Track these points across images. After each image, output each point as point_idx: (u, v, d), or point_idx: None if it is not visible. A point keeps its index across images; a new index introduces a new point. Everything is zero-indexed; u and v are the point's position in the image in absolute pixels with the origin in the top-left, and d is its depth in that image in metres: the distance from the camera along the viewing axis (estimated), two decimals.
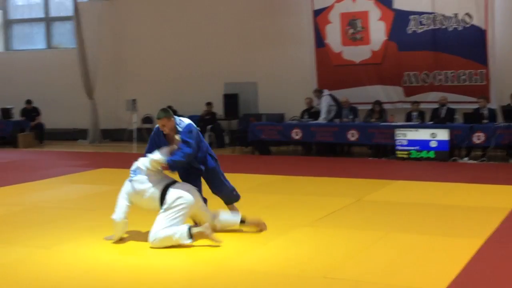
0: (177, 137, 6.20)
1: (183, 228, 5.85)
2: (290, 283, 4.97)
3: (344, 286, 4.88)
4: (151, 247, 5.84)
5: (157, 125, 6.35)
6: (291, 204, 8.14)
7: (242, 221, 6.46)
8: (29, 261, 5.72)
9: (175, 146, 6.17)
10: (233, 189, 6.78)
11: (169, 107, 6.36)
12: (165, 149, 6.16)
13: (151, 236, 5.85)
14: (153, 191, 6.00)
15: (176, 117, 6.29)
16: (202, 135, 6.52)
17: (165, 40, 17.03)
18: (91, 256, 5.80)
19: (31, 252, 5.98)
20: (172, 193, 5.97)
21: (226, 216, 6.47)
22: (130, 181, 6.11)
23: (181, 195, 5.97)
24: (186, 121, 6.33)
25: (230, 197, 6.77)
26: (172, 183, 6.12)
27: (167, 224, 5.84)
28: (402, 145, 12.42)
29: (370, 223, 6.94)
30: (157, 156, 6.11)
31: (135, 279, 5.17)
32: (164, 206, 5.93)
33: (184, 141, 6.15)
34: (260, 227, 6.50)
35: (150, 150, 6.35)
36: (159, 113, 6.25)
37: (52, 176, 10.98)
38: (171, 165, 6.10)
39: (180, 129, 6.23)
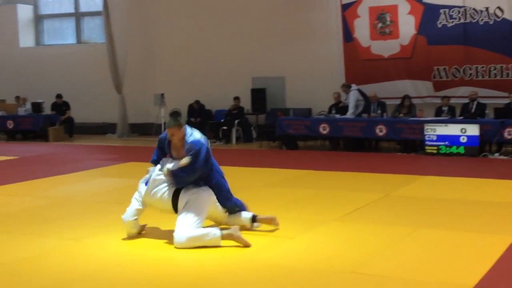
0: (186, 159, 5.85)
1: (216, 231, 5.73)
2: (318, 278, 4.96)
3: (372, 281, 4.85)
4: (177, 247, 5.69)
5: (165, 132, 6.05)
6: (318, 199, 8.11)
7: (254, 219, 6.32)
8: (60, 253, 5.80)
9: (185, 161, 5.84)
10: (238, 205, 6.32)
11: (175, 112, 5.97)
12: (180, 161, 5.88)
13: (179, 237, 5.68)
14: (166, 191, 5.89)
15: (188, 127, 5.96)
16: (211, 151, 6.10)
17: (193, 35, 17.09)
18: (120, 248, 5.86)
19: (61, 244, 6.06)
20: (187, 193, 5.85)
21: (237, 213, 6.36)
22: (145, 182, 6.03)
23: (196, 193, 5.88)
24: (197, 135, 5.94)
25: (233, 211, 6.37)
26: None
27: (192, 224, 5.72)
28: (431, 140, 12.29)
29: (398, 219, 6.89)
30: (169, 165, 5.90)
31: (162, 272, 5.22)
32: (181, 206, 5.82)
33: (191, 158, 5.79)
34: (273, 223, 6.34)
35: (157, 158, 6.18)
36: (169, 121, 5.95)
37: (82, 169, 11.12)
38: (175, 176, 5.81)
39: (189, 141, 5.85)
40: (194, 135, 5.94)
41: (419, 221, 6.71)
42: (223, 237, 5.71)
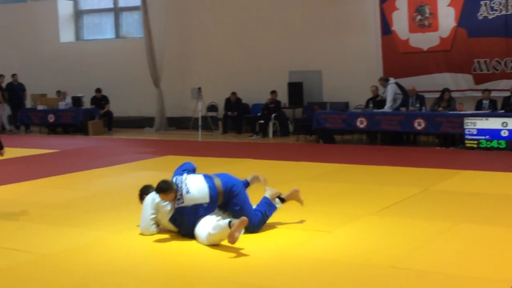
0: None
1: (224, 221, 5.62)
2: (356, 272, 4.94)
3: (411, 276, 4.81)
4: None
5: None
6: (356, 193, 8.07)
7: (282, 200, 6.38)
8: (99, 244, 5.90)
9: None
10: (263, 212, 6.20)
11: (162, 183, 5.86)
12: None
13: (203, 238, 5.68)
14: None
15: (178, 181, 5.89)
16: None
17: (230, 29, 17.13)
18: (158, 241, 5.91)
19: (101, 236, 6.16)
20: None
21: (270, 191, 6.39)
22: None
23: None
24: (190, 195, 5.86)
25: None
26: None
27: (209, 224, 5.70)
28: (471, 134, 12.09)
29: (437, 214, 6.81)
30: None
31: (202, 263, 5.27)
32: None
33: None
34: (298, 197, 6.44)
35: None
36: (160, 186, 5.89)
37: (120, 162, 11.27)
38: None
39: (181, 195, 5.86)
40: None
41: (458, 216, 6.62)
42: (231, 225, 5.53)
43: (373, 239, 5.86)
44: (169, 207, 5.97)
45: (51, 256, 5.53)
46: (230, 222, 5.49)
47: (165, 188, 5.84)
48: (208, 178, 6.03)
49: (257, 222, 6.06)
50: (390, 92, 13.75)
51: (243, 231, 5.54)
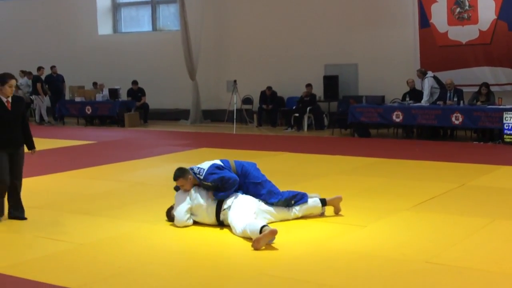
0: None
1: (257, 225, 5.56)
2: (390, 266, 4.90)
3: (447, 271, 4.75)
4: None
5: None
6: (391, 187, 8.00)
7: (323, 202, 6.35)
8: (136, 235, 5.97)
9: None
10: (286, 197, 6.24)
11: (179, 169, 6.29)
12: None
13: (238, 231, 5.72)
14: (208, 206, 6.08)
15: (194, 168, 6.20)
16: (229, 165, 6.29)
17: (266, 22, 17.10)
18: (193, 232, 5.95)
19: (137, 226, 6.23)
20: (227, 202, 6.03)
21: (311, 201, 6.33)
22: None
23: (234, 198, 6.06)
24: (206, 165, 6.20)
25: (288, 203, 6.33)
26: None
27: (243, 218, 5.76)
28: (510, 129, 11.86)
29: (474, 209, 6.71)
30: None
31: (235, 255, 5.29)
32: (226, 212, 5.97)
33: (215, 181, 6.02)
34: (338, 205, 6.43)
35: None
36: (174, 173, 6.22)
37: (156, 154, 11.37)
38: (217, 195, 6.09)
39: (201, 177, 6.11)
40: (203, 167, 6.18)
41: (496, 212, 6.51)
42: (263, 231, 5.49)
43: (408, 234, 5.80)
44: (201, 201, 6.04)
45: (88, 245, 5.62)
46: (262, 227, 5.46)
47: (180, 174, 6.16)
48: (220, 160, 6.35)
49: (270, 198, 6.17)
50: (427, 85, 13.57)
51: (272, 239, 5.46)
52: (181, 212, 6.07)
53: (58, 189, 8.24)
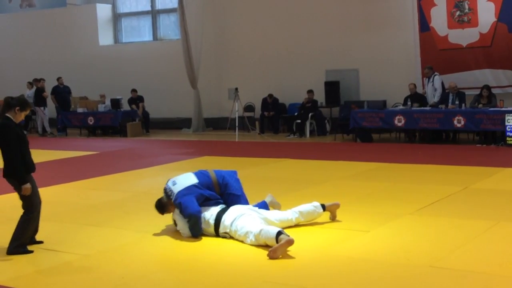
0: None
1: (273, 233, 5.51)
2: (395, 271, 4.89)
3: (451, 275, 4.74)
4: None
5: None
6: (394, 192, 7.99)
7: (323, 207, 6.34)
8: (139, 245, 5.96)
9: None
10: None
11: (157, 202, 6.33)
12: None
13: (250, 238, 5.70)
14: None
15: (167, 187, 6.21)
16: (204, 183, 6.23)
17: (266, 29, 17.14)
18: (197, 242, 5.95)
19: (140, 237, 6.22)
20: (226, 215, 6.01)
21: (307, 207, 6.32)
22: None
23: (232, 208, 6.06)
24: (178, 187, 6.13)
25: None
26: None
27: (252, 225, 5.74)
28: None
29: (478, 212, 6.70)
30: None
31: (239, 264, 5.28)
32: (228, 223, 5.94)
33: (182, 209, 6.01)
34: (335, 211, 6.43)
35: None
36: (157, 210, 6.33)
37: (159, 164, 11.38)
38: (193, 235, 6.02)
39: (173, 200, 6.13)
40: (174, 190, 6.14)
41: (500, 215, 6.50)
42: (279, 240, 5.45)
43: (412, 238, 5.79)
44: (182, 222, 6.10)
45: (92, 256, 5.62)
46: (278, 236, 5.41)
47: (162, 210, 6.29)
48: (198, 172, 6.35)
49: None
50: (438, 83, 13.64)
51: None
52: (186, 228, 6.08)
53: (61, 200, 8.24)
